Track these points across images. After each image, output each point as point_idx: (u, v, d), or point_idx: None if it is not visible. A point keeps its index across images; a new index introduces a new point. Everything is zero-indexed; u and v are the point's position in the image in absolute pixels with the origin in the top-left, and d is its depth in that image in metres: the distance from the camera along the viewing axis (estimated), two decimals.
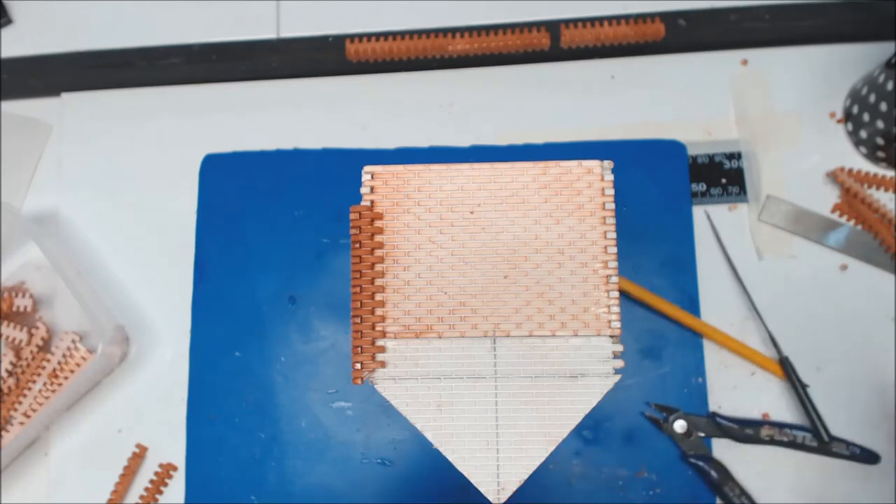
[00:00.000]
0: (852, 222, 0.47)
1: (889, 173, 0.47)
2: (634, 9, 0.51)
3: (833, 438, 0.42)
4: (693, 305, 0.45)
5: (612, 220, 0.27)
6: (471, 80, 0.51)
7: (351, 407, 0.45)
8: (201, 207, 0.49)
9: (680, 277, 0.46)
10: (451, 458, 0.26)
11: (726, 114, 0.49)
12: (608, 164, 0.27)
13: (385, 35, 0.51)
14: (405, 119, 0.51)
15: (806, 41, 0.51)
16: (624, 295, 0.45)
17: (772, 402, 0.45)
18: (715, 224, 0.47)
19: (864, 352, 0.44)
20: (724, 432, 0.43)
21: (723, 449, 0.44)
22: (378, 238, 0.27)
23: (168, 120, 0.52)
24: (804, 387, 0.44)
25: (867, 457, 0.42)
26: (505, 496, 0.26)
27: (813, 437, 0.43)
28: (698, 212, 0.48)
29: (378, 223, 0.27)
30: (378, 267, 0.27)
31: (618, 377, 0.26)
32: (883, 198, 0.47)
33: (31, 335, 0.46)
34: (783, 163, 0.48)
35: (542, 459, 0.26)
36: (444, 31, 0.51)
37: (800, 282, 0.46)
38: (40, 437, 0.47)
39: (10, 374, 0.46)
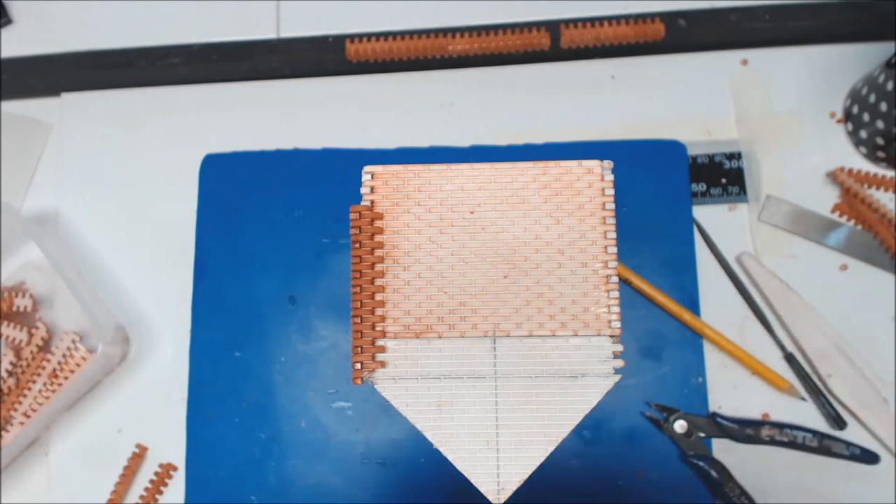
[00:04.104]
0: (852, 222, 0.47)
1: (889, 173, 0.47)
2: (634, 9, 0.51)
3: (835, 438, 0.43)
4: (693, 305, 0.45)
5: (612, 220, 0.27)
6: (471, 80, 0.51)
7: (351, 407, 0.45)
8: (201, 207, 0.49)
9: (680, 277, 0.46)
10: (451, 458, 0.26)
11: (726, 114, 0.49)
12: (608, 164, 0.27)
13: (385, 35, 0.51)
14: (405, 119, 0.51)
15: (806, 41, 0.51)
16: (624, 283, 0.45)
17: (772, 402, 0.45)
18: (714, 224, 0.47)
19: (864, 352, 0.44)
20: (725, 432, 0.43)
21: (723, 449, 0.44)
22: (378, 238, 0.27)
23: (168, 120, 0.52)
24: (811, 380, 0.44)
25: (867, 457, 0.42)
26: (505, 496, 0.26)
27: (813, 436, 0.43)
28: (699, 212, 0.48)
29: (378, 223, 0.27)
30: (378, 267, 0.27)
31: (618, 377, 0.26)
32: (883, 198, 0.47)
33: (31, 335, 0.46)
34: (783, 163, 0.48)
35: (542, 459, 0.26)
36: (444, 31, 0.51)
37: (800, 282, 0.46)
38: (40, 437, 0.47)
39: (10, 374, 0.46)
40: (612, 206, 0.27)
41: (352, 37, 0.51)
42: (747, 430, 0.43)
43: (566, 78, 0.51)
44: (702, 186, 0.48)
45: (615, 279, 0.27)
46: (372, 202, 0.27)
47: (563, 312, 0.26)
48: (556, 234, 0.27)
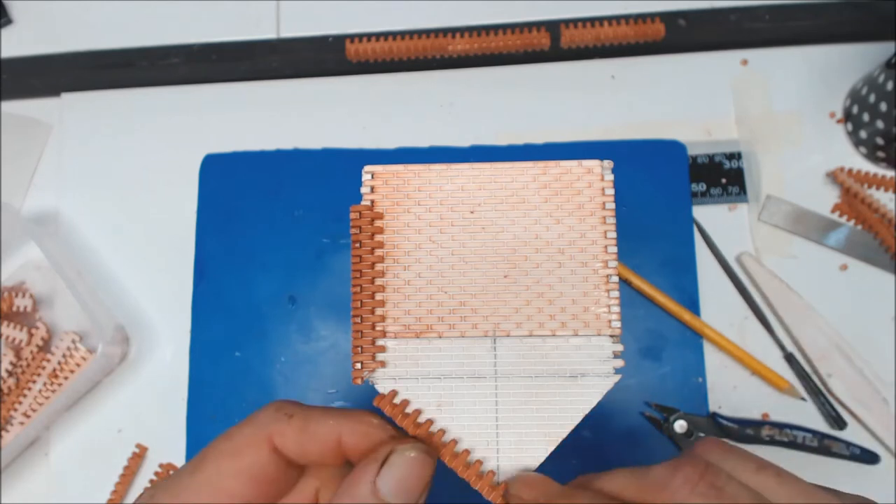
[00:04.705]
0: (852, 222, 0.47)
1: (889, 173, 0.47)
2: (634, 9, 0.51)
3: (835, 438, 0.43)
4: (693, 305, 0.45)
5: (613, 220, 0.27)
6: (471, 80, 0.51)
7: (351, 407, 0.45)
8: (201, 207, 0.49)
9: (680, 277, 0.46)
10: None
11: (726, 114, 0.49)
12: (608, 163, 0.27)
13: (385, 35, 0.51)
14: (405, 119, 0.51)
15: (806, 41, 0.51)
16: (624, 283, 0.45)
17: (772, 402, 0.45)
18: (714, 224, 0.47)
19: (864, 352, 0.44)
20: (725, 432, 0.43)
21: None
22: (378, 238, 0.27)
23: (168, 120, 0.52)
24: (811, 380, 0.44)
25: (867, 457, 0.42)
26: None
27: (813, 436, 0.43)
28: (699, 212, 0.48)
29: (378, 223, 0.27)
30: (378, 267, 0.27)
31: (618, 377, 0.26)
32: (883, 198, 0.47)
33: (31, 335, 0.46)
34: (783, 163, 0.48)
35: (542, 459, 0.26)
36: (444, 31, 0.51)
37: (800, 282, 0.46)
38: (40, 437, 0.47)
39: (10, 374, 0.46)
40: (613, 205, 0.27)
41: (352, 37, 0.51)
42: (747, 430, 0.43)
43: (566, 78, 0.51)
44: (702, 186, 0.48)
45: (615, 279, 0.27)
46: (372, 202, 0.27)
47: (564, 312, 0.26)
48: (556, 234, 0.27)
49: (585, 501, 0.22)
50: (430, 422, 0.25)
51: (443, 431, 0.25)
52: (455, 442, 0.25)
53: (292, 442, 0.24)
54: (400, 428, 0.25)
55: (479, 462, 0.25)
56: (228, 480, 0.23)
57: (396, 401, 0.26)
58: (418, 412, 0.26)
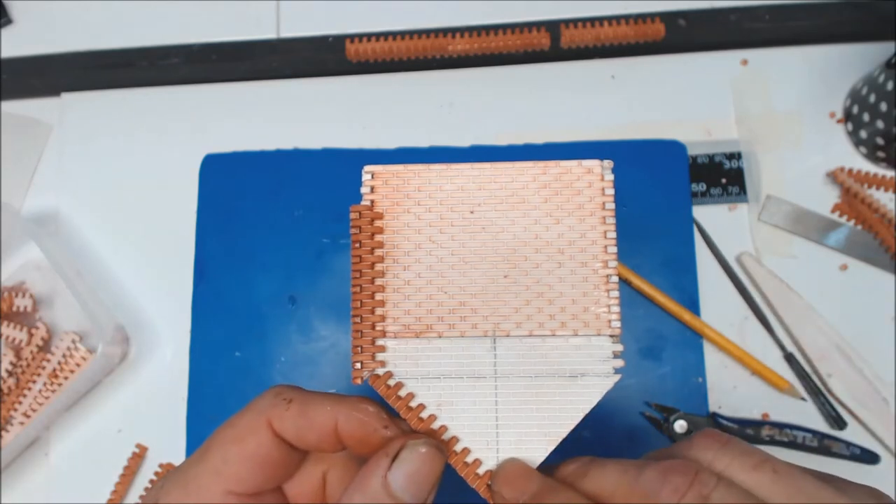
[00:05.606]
0: (852, 222, 0.47)
1: (889, 173, 0.47)
2: (634, 9, 0.51)
3: (835, 438, 0.43)
4: (693, 305, 0.45)
5: (612, 220, 0.27)
6: (471, 80, 0.51)
7: None
8: (201, 207, 0.49)
9: (680, 277, 0.46)
10: (450, 458, 0.26)
11: (726, 114, 0.49)
12: (608, 163, 0.27)
13: (385, 35, 0.51)
14: (405, 119, 0.51)
15: (806, 41, 0.51)
16: (624, 283, 0.45)
17: (772, 402, 0.45)
18: (714, 224, 0.47)
19: (864, 352, 0.44)
20: (725, 432, 0.43)
21: None
22: (378, 238, 0.27)
23: (168, 120, 0.52)
24: (811, 380, 0.44)
25: (867, 457, 0.42)
26: None
27: (813, 436, 0.43)
28: (699, 212, 0.48)
29: (378, 223, 0.27)
30: (378, 267, 0.27)
31: (618, 377, 0.26)
32: (883, 198, 0.47)
33: (31, 335, 0.46)
34: (783, 163, 0.48)
35: (542, 459, 0.26)
36: (444, 31, 0.51)
37: (800, 282, 0.46)
38: (40, 437, 0.47)
39: (10, 374, 0.46)
40: (612, 205, 0.27)
41: (352, 37, 0.51)
42: (747, 430, 0.43)
43: (566, 78, 0.51)
44: (702, 186, 0.48)
45: (615, 279, 0.27)
46: (372, 202, 0.27)
47: (563, 312, 0.26)
48: (556, 234, 0.27)
49: (566, 502, 0.22)
50: (433, 417, 0.26)
51: (445, 428, 0.25)
52: (455, 439, 0.25)
53: (291, 426, 0.24)
54: (394, 411, 0.25)
55: (471, 456, 0.25)
56: (235, 467, 0.24)
57: (390, 383, 0.26)
58: (422, 406, 0.26)
